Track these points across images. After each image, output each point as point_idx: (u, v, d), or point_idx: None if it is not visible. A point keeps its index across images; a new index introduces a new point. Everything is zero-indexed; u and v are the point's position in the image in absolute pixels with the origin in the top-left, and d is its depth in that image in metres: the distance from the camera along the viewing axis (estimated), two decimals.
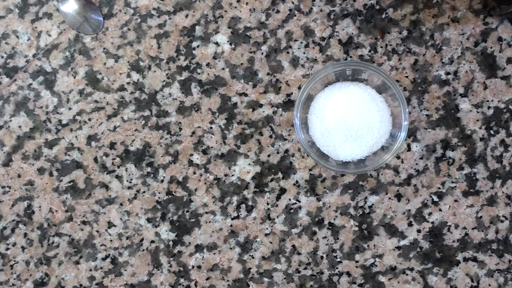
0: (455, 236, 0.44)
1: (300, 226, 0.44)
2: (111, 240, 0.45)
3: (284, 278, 0.45)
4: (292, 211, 0.44)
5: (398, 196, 0.44)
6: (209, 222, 0.45)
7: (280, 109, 0.44)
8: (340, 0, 0.44)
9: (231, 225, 0.45)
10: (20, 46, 0.45)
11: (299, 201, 0.44)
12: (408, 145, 0.44)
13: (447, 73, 0.43)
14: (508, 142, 0.43)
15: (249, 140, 0.44)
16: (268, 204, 0.44)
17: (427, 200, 0.44)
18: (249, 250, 0.45)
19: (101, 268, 0.45)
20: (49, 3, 0.45)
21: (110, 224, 0.45)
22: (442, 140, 0.43)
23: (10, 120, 0.45)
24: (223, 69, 0.44)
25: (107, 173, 0.45)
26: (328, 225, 0.44)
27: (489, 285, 0.44)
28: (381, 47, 0.43)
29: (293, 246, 0.45)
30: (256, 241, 0.45)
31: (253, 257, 0.45)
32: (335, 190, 0.44)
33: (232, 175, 0.45)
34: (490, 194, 0.43)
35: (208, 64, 0.44)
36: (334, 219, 0.44)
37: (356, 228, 0.44)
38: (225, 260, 0.45)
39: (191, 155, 0.45)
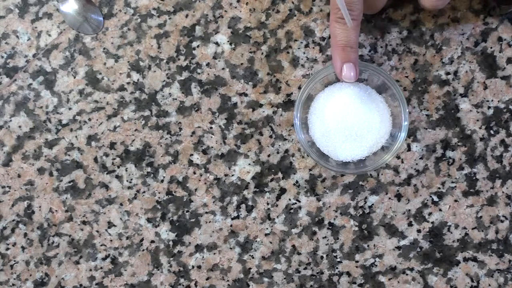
0: (455, 236, 0.44)
1: (300, 226, 0.44)
2: (111, 240, 0.45)
3: (284, 278, 0.45)
4: (292, 211, 0.44)
5: (398, 196, 0.44)
6: (209, 222, 0.45)
7: (280, 109, 0.44)
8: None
9: (231, 225, 0.45)
10: (20, 46, 0.45)
11: (299, 201, 0.44)
12: (408, 145, 0.44)
13: (447, 73, 0.43)
14: (508, 142, 0.43)
15: (249, 140, 0.44)
16: (268, 204, 0.45)
17: (427, 200, 0.44)
18: (249, 250, 0.45)
19: (101, 268, 0.45)
20: (49, 3, 0.45)
21: (110, 224, 0.45)
22: (442, 140, 0.43)
23: (10, 120, 0.45)
24: (223, 69, 0.44)
25: (107, 173, 0.45)
26: (328, 225, 0.44)
27: (489, 285, 0.44)
28: (381, 47, 0.43)
29: (293, 246, 0.45)
30: (256, 241, 0.45)
31: (253, 257, 0.45)
32: (335, 190, 0.44)
33: (232, 175, 0.45)
34: (490, 194, 0.43)
35: (208, 64, 0.44)
36: (334, 219, 0.44)
37: (356, 228, 0.44)
38: (225, 260, 0.45)
39: (191, 155, 0.45)
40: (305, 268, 0.44)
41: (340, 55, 0.38)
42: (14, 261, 0.46)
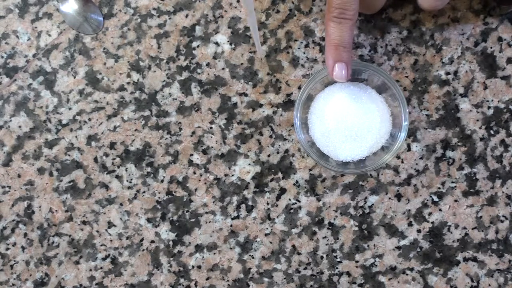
0: (455, 236, 0.44)
1: (300, 226, 0.44)
2: (111, 240, 0.45)
3: (284, 278, 0.45)
4: (292, 211, 0.44)
5: (398, 196, 0.44)
6: (209, 222, 0.45)
7: (280, 109, 0.44)
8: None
9: (231, 225, 0.45)
10: (20, 46, 0.45)
11: (299, 201, 0.44)
12: (408, 145, 0.44)
13: (447, 73, 0.43)
14: (508, 142, 0.43)
15: (249, 140, 0.44)
16: (268, 204, 0.44)
17: (427, 200, 0.44)
18: (249, 250, 0.45)
19: (101, 268, 0.45)
20: (49, 3, 0.45)
21: (110, 224, 0.45)
22: (442, 140, 0.43)
23: (10, 120, 0.45)
24: (223, 69, 0.44)
25: (107, 173, 0.45)
26: (328, 225, 0.44)
27: (489, 285, 0.44)
28: (381, 47, 0.43)
29: (293, 246, 0.45)
30: (256, 241, 0.45)
31: (253, 257, 0.45)
32: (335, 190, 0.44)
33: (232, 175, 0.45)
34: (490, 194, 0.43)
35: (208, 64, 0.44)
36: (334, 219, 0.44)
37: (356, 228, 0.44)
38: (225, 260, 0.45)
39: (191, 155, 0.45)
40: (305, 268, 0.44)
41: (332, 55, 0.38)
42: (14, 261, 0.46)
